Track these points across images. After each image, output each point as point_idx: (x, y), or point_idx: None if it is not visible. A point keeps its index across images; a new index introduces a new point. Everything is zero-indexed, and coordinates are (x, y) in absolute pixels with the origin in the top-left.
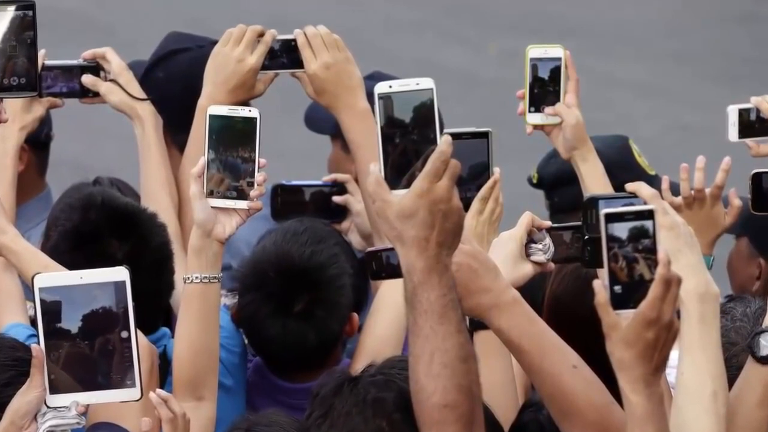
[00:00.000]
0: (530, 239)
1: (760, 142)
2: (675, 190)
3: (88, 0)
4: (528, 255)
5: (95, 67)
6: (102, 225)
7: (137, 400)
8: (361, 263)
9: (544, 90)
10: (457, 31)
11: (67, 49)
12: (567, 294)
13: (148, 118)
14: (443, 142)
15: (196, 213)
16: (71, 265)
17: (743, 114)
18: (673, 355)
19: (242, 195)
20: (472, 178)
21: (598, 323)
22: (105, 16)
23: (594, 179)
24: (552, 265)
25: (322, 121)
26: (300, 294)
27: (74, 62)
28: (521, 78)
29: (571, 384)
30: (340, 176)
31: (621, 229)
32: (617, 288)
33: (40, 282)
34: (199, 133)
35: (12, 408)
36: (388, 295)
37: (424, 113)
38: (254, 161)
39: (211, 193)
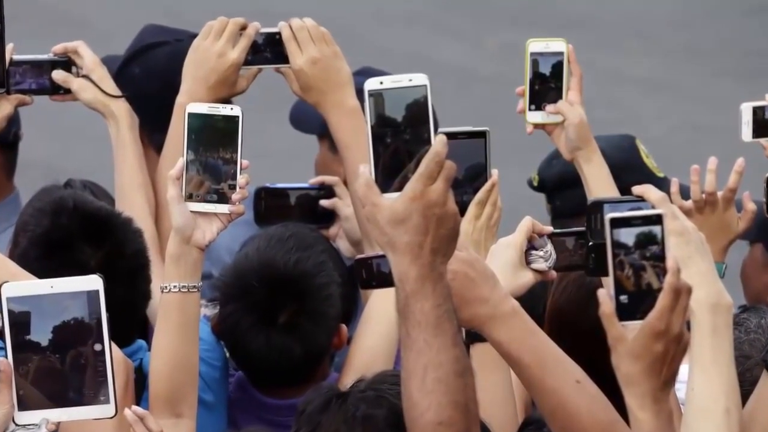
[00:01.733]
0: (530, 246)
1: None
2: (685, 193)
3: None
4: (528, 262)
5: (67, 62)
6: (74, 231)
7: (111, 418)
8: (350, 271)
9: (546, 87)
10: (452, 24)
11: (37, 42)
12: (570, 304)
13: (123, 116)
14: (438, 142)
15: (174, 218)
16: (41, 273)
17: (758, 112)
18: (683, 369)
19: (223, 198)
20: (468, 181)
21: (602, 335)
22: (77, 7)
23: (598, 182)
24: (554, 274)
25: (309, 119)
26: (285, 304)
27: (44, 57)
28: (521, 74)
29: (574, 400)
30: (327, 178)
31: (627, 235)
32: (623, 298)
33: (7, 291)
34: (177, 132)
35: None
36: (379, 305)
37: (417, 111)
38: (236, 162)
39: (190, 197)
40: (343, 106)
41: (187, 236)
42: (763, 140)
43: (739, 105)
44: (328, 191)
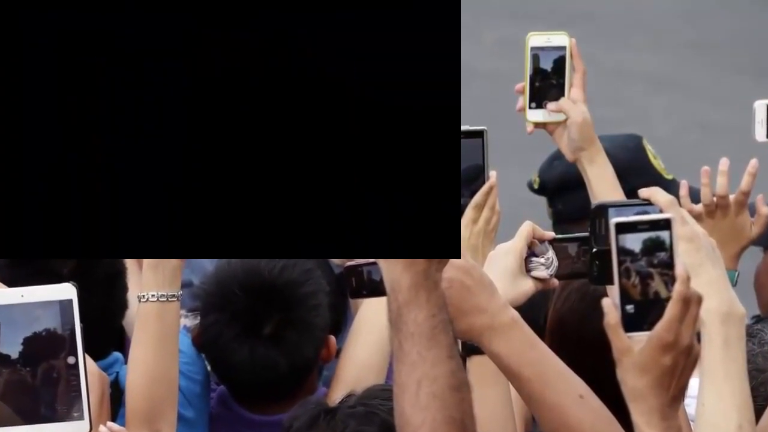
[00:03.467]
0: (531, 252)
1: None
2: (695, 196)
3: None
4: (528, 270)
5: None
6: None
7: None
8: (339, 279)
9: (547, 83)
10: None
11: None
12: (572, 314)
13: None
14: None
15: None
16: (10, 281)
17: None
18: (693, 383)
19: None
20: (465, 183)
21: (607, 347)
22: None
23: (603, 184)
24: (555, 282)
25: None
26: (270, 314)
27: None
28: (521, 70)
29: (577, 416)
30: None
31: (633, 241)
32: (629, 307)
33: None
34: None
35: None
36: (370, 315)
37: None
38: None
39: None
40: None
41: None
42: None
43: (751, 103)
44: None
